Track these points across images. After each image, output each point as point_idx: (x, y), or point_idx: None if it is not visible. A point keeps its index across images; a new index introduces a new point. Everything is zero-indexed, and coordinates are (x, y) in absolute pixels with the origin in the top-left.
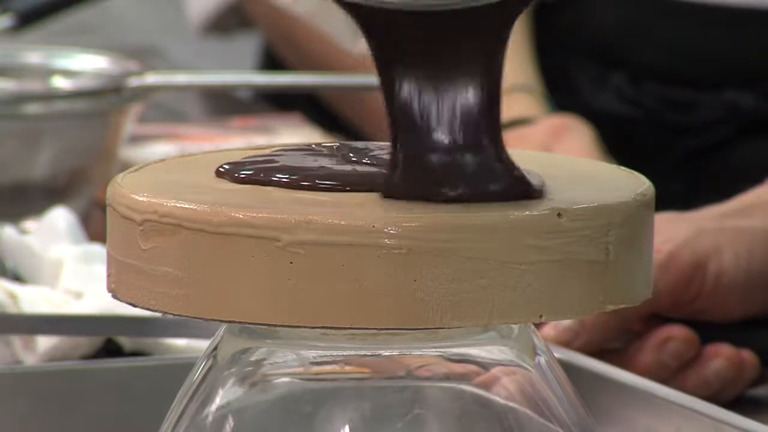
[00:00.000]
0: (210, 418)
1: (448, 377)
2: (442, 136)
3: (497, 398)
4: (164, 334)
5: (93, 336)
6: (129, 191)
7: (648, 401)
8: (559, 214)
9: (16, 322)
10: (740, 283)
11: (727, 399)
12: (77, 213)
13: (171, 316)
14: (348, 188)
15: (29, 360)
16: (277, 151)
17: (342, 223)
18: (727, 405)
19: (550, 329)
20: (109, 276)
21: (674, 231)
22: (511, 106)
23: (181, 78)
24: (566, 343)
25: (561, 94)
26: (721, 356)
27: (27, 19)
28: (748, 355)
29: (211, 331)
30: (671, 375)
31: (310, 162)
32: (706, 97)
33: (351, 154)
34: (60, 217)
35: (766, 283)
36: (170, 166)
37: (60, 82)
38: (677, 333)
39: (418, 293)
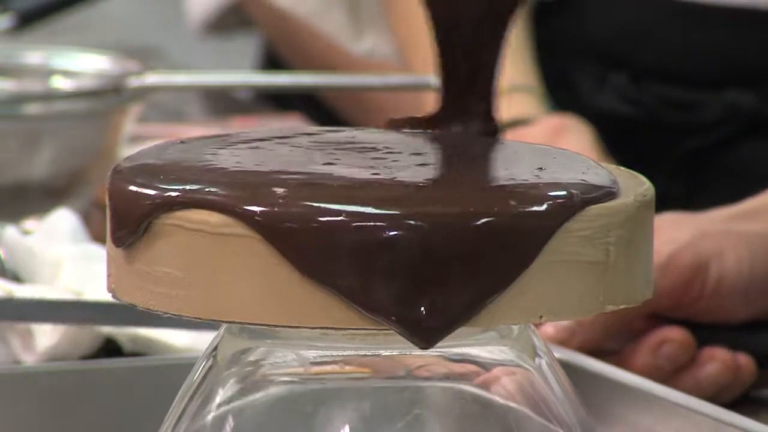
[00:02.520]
0: (210, 418)
1: (448, 377)
2: None
3: (497, 398)
4: (159, 324)
5: (84, 324)
6: None
7: (648, 401)
8: None
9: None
10: (742, 287)
11: (725, 402)
12: (77, 213)
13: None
14: None
15: (29, 360)
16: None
17: None
18: (727, 405)
19: (549, 327)
20: (109, 276)
21: (678, 233)
22: (510, 106)
23: (181, 78)
24: (563, 342)
25: (561, 94)
26: (717, 360)
27: (27, 19)
28: (744, 359)
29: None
30: (666, 377)
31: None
32: (707, 97)
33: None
34: (64, 219)
35: (767, 289)
36: None
37: (60, 82)
38: (674, 335)
39: None
